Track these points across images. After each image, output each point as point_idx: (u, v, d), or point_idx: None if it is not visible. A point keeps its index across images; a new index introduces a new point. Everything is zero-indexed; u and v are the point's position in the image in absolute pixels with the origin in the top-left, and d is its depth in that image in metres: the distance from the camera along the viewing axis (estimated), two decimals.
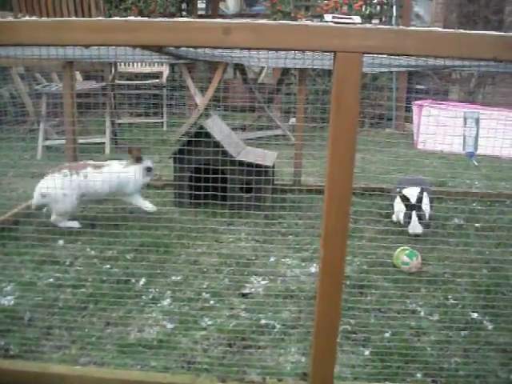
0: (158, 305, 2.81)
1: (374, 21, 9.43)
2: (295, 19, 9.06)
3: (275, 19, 9.31)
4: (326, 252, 1.74)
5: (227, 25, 1.58)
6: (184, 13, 10.57)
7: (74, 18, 1.67)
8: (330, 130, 1.63)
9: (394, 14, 9.32)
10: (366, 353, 2.42)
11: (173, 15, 9.95)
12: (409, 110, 8.13)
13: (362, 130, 8.28)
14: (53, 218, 3.75)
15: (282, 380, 2.13)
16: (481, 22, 9.70)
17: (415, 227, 3.80)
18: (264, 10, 10.42)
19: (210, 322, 2.63)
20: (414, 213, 3.78)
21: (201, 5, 12.52)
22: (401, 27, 1.61)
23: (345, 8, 9.29)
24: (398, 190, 4.00)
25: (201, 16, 11.39)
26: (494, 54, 1.66)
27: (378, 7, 9.35)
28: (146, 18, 1.69)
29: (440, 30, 1.64)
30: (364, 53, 1.58)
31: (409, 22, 9.40)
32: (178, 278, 3.09)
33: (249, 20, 1.62)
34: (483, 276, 3.20)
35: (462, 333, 2.62)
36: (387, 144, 6.82)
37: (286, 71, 7.18)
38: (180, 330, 2.56)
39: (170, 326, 2.61)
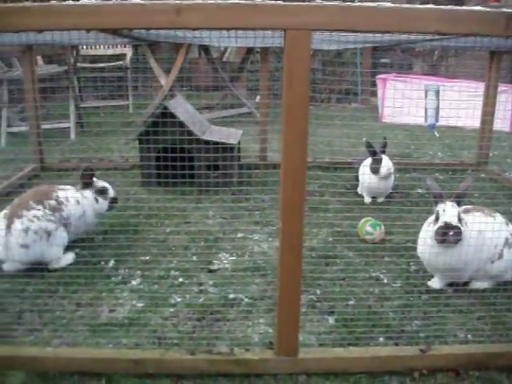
0: (128, 285, 2.85)
1: None
2: None
3: None
4: (285, 224, 1.80)
5: (179, 6, 1.61)
6: None
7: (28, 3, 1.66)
8: (283, 106, 1.68)
9: None
10: (331, 320, 2.52)
11: None
12: (374, 84, 8.22)
13: (329, 105, 8.37)
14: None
15: (248, 350, 2.21)
16: None
17: (386, 167, 3.92)
18: None
19: (179, 299, 2.69)
20: (383, 156, 3.92)
21: None
22: (347, 3, 1.66)
23: None
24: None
25: None
26: (437, 27, 1.72)
27: None
28: (98, 1, 1.70)
29: (386, 5, 1.69)
30: (313, 29, 1.63)
31: None
32: (147, 257, 3.13)
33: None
34: None
35: (423, 297, 2.74)
36: (353, 118, 6.91)
37: (250, 49, 7.16)
38: (150, 308, 2.61)
39: (140, 304, 2.65)
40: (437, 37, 2.82)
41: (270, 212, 3.76)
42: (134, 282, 2.87)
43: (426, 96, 6.97)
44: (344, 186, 4.40)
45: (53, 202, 3.02)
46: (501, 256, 2.73)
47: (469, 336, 2.45)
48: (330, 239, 3.38)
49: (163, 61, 7.30)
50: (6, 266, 2.96)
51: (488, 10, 1.84)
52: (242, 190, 4.05)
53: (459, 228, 2.59)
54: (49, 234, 2.93)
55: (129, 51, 8.17)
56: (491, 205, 3.99)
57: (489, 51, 4.74)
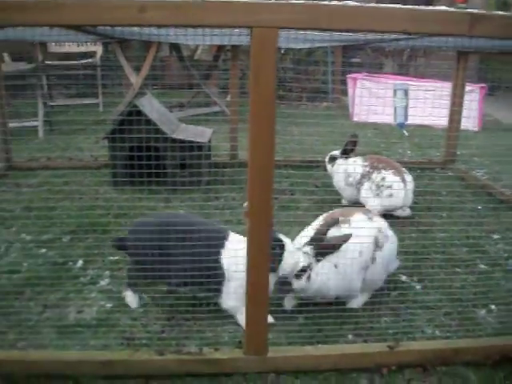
0: (97, 285, 2.81)
1: None
2: None
3: None
4: (253, 222, 1.79)
5: (143, 3, 1.59)
6: None
7: None
8: (250, 104, 1.67)
9: None
10: (301, 319, 2.52)
11: None
12: (344, 83, 8.28)
13: (300, 103, 8.39)
14: None
15: (218, 349, 2.20)
16: None
17: None
18: None
19: (148, 299, 2.66)
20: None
21: None
22: (314, 2, 1.66)
23: None
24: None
25: None
26: (404, 27, 1.74)
27: None
28: None
29: (352, 3, 1.70)
30: (279, 27, 1.63)
31: None
32: (116, 257, 3.08)
33: None
34: (412, 239, 3.34)
35: (392, 294, 2.76)
36: (324, 117, 6.94)
37: (221, 47, 7.14)
38: (119, 309, 2.58)
39: (108, 305, 2.62)
40: (404, 36, 2.84)
41: (241, 211, 3.74)
42: (102, 283, 2.83)
43: (395, 95, 7.05)
44: (314, 184, 4.42)
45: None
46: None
47: (436, 332, 2.49)
48: None
49: (134, 59, 7.24)
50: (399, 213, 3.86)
51: (453, 10, 1.87)
52: (211, 189, 4.03)
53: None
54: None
55: (99, 49, 8.05)
56: (458, 202, 4.08)
57: (456, 51, 4.82)
